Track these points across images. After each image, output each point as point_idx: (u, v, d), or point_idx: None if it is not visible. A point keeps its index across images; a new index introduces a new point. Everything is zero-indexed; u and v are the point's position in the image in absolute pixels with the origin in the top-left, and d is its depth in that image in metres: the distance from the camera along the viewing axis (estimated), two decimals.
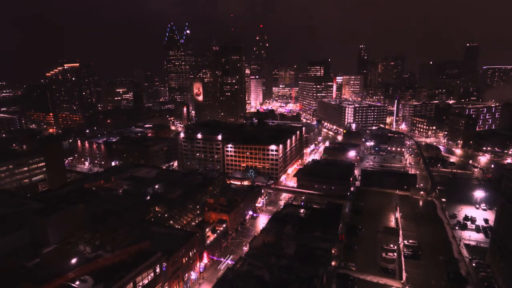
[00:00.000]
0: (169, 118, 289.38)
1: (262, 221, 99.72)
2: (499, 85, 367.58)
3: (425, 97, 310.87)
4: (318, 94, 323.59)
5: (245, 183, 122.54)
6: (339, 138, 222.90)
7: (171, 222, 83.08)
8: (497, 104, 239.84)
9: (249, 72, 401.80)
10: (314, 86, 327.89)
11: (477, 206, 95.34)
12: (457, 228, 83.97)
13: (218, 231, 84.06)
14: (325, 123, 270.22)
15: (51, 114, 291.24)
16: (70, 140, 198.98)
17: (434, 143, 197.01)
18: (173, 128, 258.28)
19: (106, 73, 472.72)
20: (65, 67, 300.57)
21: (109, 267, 52.60)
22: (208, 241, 79.14)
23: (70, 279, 49.66)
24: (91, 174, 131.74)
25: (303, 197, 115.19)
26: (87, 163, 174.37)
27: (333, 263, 68.88)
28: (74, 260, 54.00)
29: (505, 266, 61.39)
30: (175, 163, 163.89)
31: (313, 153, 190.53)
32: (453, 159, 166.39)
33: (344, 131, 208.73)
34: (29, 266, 53.54)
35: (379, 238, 77.72)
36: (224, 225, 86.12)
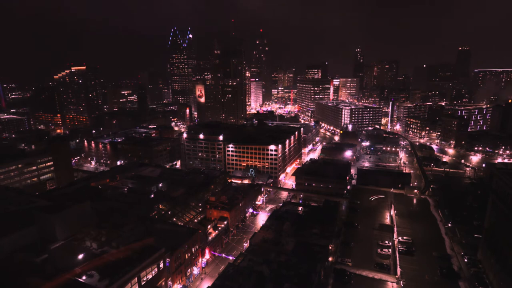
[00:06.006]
0: (172, 119, 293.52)
1: (262, 218, 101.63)
2: (490, 86, 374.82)
3: (419, 99, 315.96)
4: (316, 96, 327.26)
5: (246, 181, 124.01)
6: (336, 138, 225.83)
7: (174, 219, 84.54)
8: (488, 105, 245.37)
9: (249, 74, 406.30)
10: (312, 89, 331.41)
11: None
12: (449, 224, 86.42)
13: (220, 228, 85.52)
14: (323, 124, 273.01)
15: (58, 115, 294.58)
16: (77, 140, 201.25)
17: (428, 143, 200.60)
18: (176, 128, 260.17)
19: (112, 76, 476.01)
20: (72, 70, 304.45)
21: (114, 263, 53.42)
22: (210, 238, 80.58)
23: (77, 274, 50.64)
24: (97, 173, 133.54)
25: (301, 195, 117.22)
26: (93, 163, 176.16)
27: (330, 259, 70.45)
28: (81, 256, 54.87)
29: (496, 262, 62.42)
30: (178, 163, 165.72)
31: (311, 153, 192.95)
32: (445, 158, 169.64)
33: (341, 131, 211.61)
34: (38, 262, 54.42)
35: (374, 234, 78.99)
36: (225, 222, 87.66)
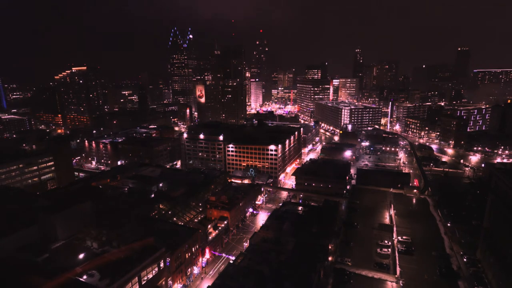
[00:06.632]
0: (172, 119, 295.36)
1: (262, 218, 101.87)
2: (489, 87, 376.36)
3: (418, 99, 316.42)
4: (316, 96, 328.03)
5: (246, 181, 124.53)
6: (336, 138, 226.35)
7: (175, 219, 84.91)
8: (487, 106, 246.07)
9: (249, 75, 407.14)
10: (312, 89, 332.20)
11: None
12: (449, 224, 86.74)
13: (220, 228, 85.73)
14: (322, 124, 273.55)
15: (59, 116, 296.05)
16: (78, 140, 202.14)
17: (427, 143, 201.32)
18: (176, 129, 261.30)
19: (112, 76, 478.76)
20: (73, 71, 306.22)
21: (115, 262, 53.92)
22: (210, 237, 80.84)
23: (77, 273, 51.08)
24: (98, 173, 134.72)
25: (301, 195, 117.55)
26: (94, 162, 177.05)
27: (330, 258, 70.68)
28: (81, 256, 55.43)
29: (494, 262, 62.75)
30: (179, 163, 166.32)
31: (310, 153, 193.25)
32: (445, 158, 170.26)
33: (341, 131, 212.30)
34: (39, 261, 54.74)
35: (374, 234, 79.39)
36: (225, 222, 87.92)
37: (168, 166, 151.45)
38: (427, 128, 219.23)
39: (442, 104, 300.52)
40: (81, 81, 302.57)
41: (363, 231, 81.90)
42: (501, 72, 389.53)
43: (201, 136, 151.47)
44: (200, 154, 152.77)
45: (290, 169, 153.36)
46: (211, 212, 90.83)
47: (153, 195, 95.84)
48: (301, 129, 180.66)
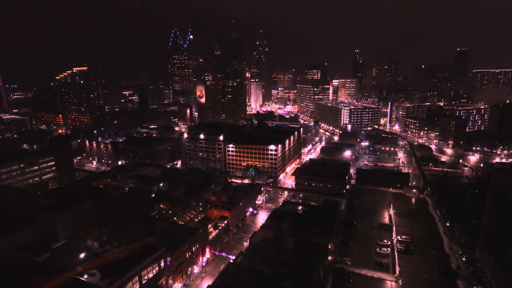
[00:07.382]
0: (173, 119, 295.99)
1: (262, 217, 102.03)
2: (488, 88, 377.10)
3: (418, 99, 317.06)
4: (315, 97, 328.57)
5: (246, 181, 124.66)
6: (335, 138, 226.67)
7: (175, 218, 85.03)
8: (486, 106, 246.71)
9: (249, 75, 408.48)
10: (312, 89, 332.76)
11: None
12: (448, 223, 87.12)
13: (220, 227, 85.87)
14: (322, 124, 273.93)
15: (60, 116, 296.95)
16: (79, 140, 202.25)
17: (426, 143, 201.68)
18: (177, 129, 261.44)
19: (113, 76, 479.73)
20: (74, 71, 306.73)
21: (116, 262, 53.97)
22: (210, 237, 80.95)
23: (78, 273, 51.11)
24: (99, 173, 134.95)
25: (301, 195, 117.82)
26: (94, 162, 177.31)
27: (329, 258, 70.89)
28: (82, 255, 55.45)
29: (493, 261, 63.23)
30: (179, 163, 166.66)
31: (310, 153, 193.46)
32: (444, 158, 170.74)
33: (340, 131, 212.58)
34: (39, 261, 54.67)
35: (373, 234, 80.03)
36: (225, 222, 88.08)
37: (168, 166, 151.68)
38: (426, 128, 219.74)
39: (441, 104, 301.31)
40: (82, 81, 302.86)
41: (363, 231, 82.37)
42: (500, 72, 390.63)
43: (201, 136, 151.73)
44: (200, 154, 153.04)
45: (290, 169, 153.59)
46: (211, 212, 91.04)
47: (153, 195, 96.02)
48: (301, 129, 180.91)
